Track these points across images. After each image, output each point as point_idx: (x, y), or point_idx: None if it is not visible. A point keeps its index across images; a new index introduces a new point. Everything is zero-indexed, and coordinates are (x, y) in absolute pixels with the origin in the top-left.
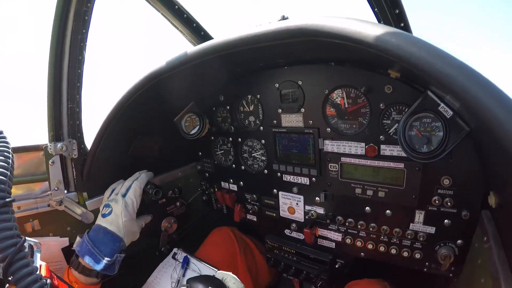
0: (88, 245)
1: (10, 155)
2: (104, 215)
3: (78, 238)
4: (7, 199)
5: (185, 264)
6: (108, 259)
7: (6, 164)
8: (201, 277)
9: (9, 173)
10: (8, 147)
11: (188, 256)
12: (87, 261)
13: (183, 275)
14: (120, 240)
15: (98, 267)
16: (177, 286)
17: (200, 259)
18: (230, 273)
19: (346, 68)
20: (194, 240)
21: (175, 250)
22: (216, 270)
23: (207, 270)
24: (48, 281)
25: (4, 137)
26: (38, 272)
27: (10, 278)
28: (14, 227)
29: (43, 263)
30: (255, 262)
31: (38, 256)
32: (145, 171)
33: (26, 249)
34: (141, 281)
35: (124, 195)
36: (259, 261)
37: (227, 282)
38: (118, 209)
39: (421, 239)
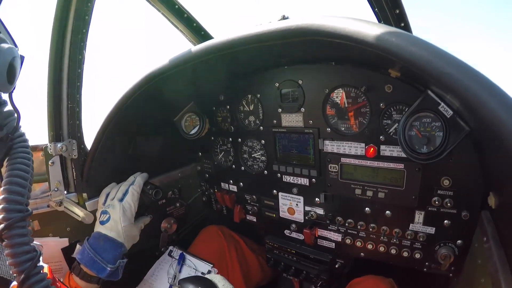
0: (90, 253)
1: (31, 163)
2: (102, 222)
3: (78, 246)
4: (26, 213)
5: (181, 260)
6: (111, 266)
7: (26, 174)
8: (192, 277)
9: (29, 184)
10: (29, 153)
11: (184, 253)
12: (90, 269)
13: (180, 271)
14: (121, 246)
15: (103, 274)
16: (173, 281)
17: (195, 255)
18: (219, 275)
19: (346, 68)
20: (193, 240)
21: (170, 247)
22: (211, 265)
23: (202, 265)
24: None
25: (26, 140)
26: (51, 285)
27: None
28: (30, 241)
29: (46, 265)
30: (244, 258)
31: (40, 258)
32: (139, 173)
33: (40, 263)
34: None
35: (121, 200)
36: (249, 257)
37: (217, 282)
38: (116, 215)
39: (421, 239)
